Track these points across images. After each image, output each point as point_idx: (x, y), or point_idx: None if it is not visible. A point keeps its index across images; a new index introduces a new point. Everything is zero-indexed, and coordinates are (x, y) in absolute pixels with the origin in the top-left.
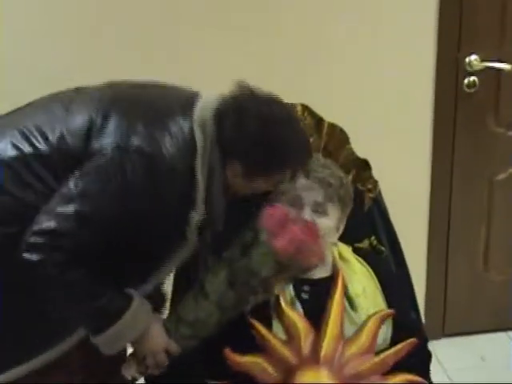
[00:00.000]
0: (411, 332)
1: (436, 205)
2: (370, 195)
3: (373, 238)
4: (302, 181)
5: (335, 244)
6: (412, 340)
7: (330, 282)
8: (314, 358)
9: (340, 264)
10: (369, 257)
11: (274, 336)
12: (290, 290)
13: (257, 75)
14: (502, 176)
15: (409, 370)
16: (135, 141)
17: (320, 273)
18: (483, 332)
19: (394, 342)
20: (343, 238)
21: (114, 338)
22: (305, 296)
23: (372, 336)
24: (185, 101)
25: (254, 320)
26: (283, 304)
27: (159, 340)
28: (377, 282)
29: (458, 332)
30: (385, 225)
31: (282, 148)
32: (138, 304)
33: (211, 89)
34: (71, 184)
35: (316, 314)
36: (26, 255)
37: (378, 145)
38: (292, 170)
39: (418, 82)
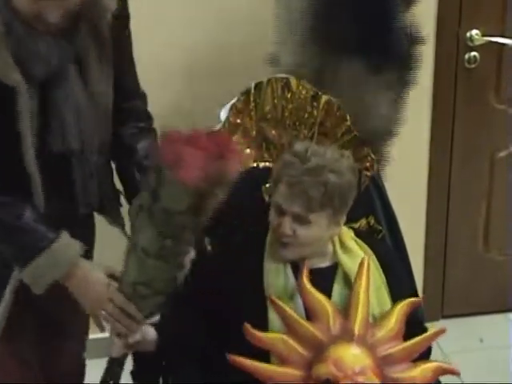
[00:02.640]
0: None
1: (435, 183)
2: (368, 174)
3: (370, 217)
4: (282, 189)
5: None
6: (442, 328)
7: (329, 272)
8: (345, 335)
9: (341, 256)
10: (369, 238)
11: (300, 315)
12: (292, 282)
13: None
14: (503, 154)
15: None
16: None
17: (319, 263)
18: (482, 313)
19: None
20: None
21: (39, 273)
22: None
23: (400, 322)
24: None
25: (274, 298)
26: (308, 285)
27: (98, 288)
28: (379, 267)
29: (457, 313)
30: (382, 204)
31: None
32: (65, 242)
33: None
34: None
35: None
36: None
37: None
38: None
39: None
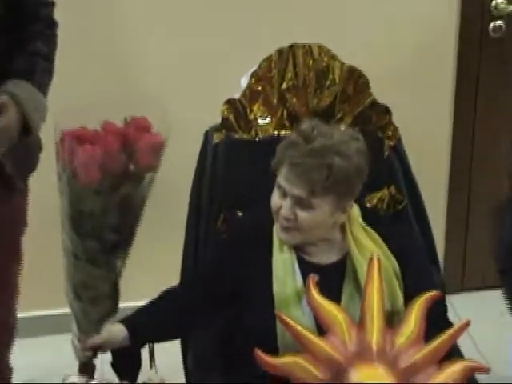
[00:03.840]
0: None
1: (458, 154)
2: (390, 143)
3: (392, 187)
4: (284, 170)
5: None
6: (467, 320)
7: (338, 267)
8: (363, 353)
9: (354, 248)
10: (383, 224)
11: (311, 331)
12: (299, 280)
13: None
14: None
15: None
16: None
17: (328, 258)
18: None
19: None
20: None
21: None
22: None
23: (420, 323)
24: None
25: (284, 316)
26: (316, 295)
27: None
28: (390, 255)
29: (478, 286)
30: (404, 174)
31: None
32: None
33: None
34: None
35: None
36: None
37: (399, 91)
38: None
39: (441, 26)
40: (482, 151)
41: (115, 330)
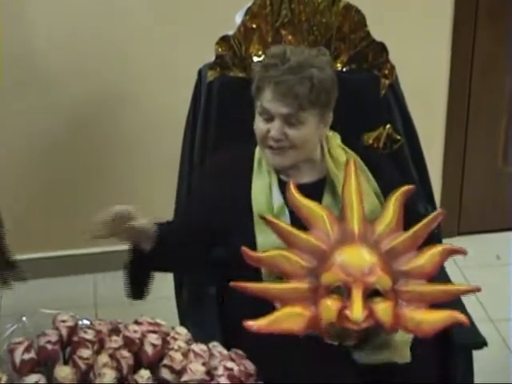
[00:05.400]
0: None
1: (455, 96)
2: (387, 81)
3: (388, 125)
4: (268, 93)
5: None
6: (441, 211)
7: (318, 184)
8: (345, 238)
9: (332, 166)
10: (356, 145)
11: (296, 228)
12: (280, 197)
13: None
14: None
15: None
16: None
17: (308, 179)
18: (499, 230)
19: None
20: (355, 126)
21: None
22: None
23: (398, 213)
24: None
25: (268, 216)
26: (297, 194)
27: None
28: (368, 173)
29: (474, 230)
30: (401, 113)
31: None
32: None
33: None
34: None
35: None
36: None
37: (397, 28)
38: None
39: None
40: (480, 92)
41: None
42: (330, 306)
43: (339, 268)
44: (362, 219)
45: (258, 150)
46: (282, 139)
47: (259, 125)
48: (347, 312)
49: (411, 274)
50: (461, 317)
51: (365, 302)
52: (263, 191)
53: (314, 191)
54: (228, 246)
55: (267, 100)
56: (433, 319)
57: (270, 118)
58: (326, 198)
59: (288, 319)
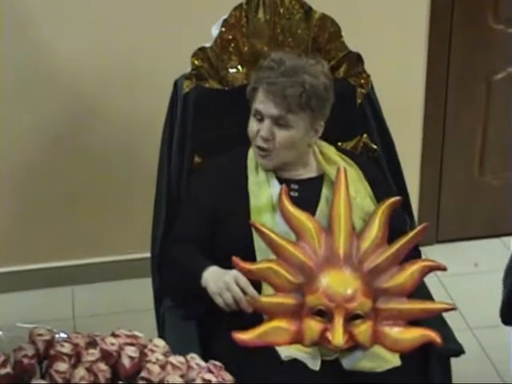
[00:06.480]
0: (403, 233)
1: (431, 105)
2: (362, 91)
3: (364, 135)
4: (260, 94)
5: (315, 144)
6: (425, 224)
7: (317, 181)
8: (331, 258)
9: (326, 166)
10: (357, 157)
11: (283, 238)
12: (275, 192)
13: None
14: (500, 76)
15: None
16: None
17: (307, 173)
18: (477, 238)
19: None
20: (331, 136)
21: None
22: (294, 194)
23: (383, 227)
24: None
25: (258, 224)
26: (288, 205)
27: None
28: (366, 183)
29: (452, 238)
30: (377, 122)
31: None
32: None
33: None
34: None
35: (307, 210)
36: None
37: (372, 39)
38: None
39: None
40: (456, 103)
41: None
42: (313, 326)
43: (323, 293)
44: (348, 234)
45: (252, 149)
46: (270, 139)
47: (252, 125)
48: (329, 335)
49: (392, 291)
50: (434, 336)
51: (345, 326)
52: (261, 184)
53: (312, 185)
54: (226, 237)
55: (259, 101)
56: (410, 337)
57: (261, 118)
58: (325, 190)
59: (274, 333)
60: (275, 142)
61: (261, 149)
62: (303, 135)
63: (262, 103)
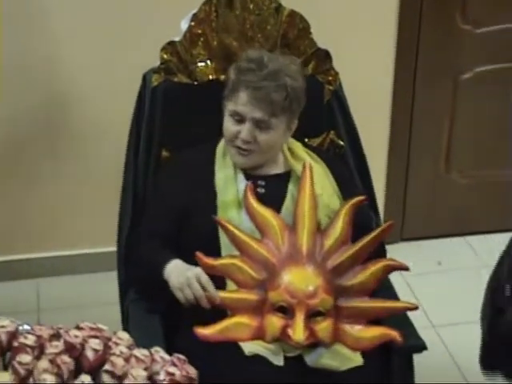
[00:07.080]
0: (368, 229)
1: (398, 103)
2: (330, 88)
3: (332, 132)
4: (242, 96)
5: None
6: (390, 223)
7: (283, 177)
8: (294, 255)
9: (293, 163)
10: (323, 153)
11: (248, 235)
12: (241, 188)
13: None
14: (467, 75)
15: None
16: None
17: (274, 170)
18: (441, 236)
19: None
20: (299, 132)
21: None
22: (261, 190)
23: (347, 225)
24: None
25: (222, 220)
26: (253, 201)
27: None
28: (332, 180)
29: (416, 236)
30: (345, 119)
31: None
32: None
33: None
34: None
35: (273, 207)
36: None
37: (341, 36)
38: None
39: None
40: (423, 102)
41: None
42: (274, 322)
43: (285, 289)
44: (312, 232)
45: (221, 144)
46: (251, 142)
47: (228, 125)
48: (290, 331)
49: (354, 290)
50: (394, 335)
51: (306, 322)
52: (228, 180)
53: (279, 181)
54: (191, 233)
55: (241, 103)
56: (371, 335)
57: (241, 120)
58: (292, 187)
59: (236, 328)
60: (256, 144)
61: (240, 149)
62: (282, 136)
63: (244, 106)
